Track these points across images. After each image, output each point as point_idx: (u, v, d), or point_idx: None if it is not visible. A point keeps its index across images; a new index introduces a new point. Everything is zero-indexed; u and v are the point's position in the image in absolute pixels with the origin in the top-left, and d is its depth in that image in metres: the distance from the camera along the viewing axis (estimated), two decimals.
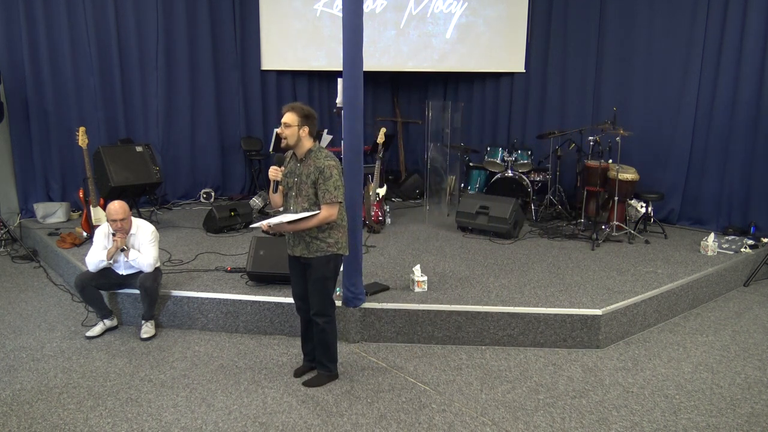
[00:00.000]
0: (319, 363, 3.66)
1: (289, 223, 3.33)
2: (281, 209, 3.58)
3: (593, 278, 4.86)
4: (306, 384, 3.61)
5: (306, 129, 3.34)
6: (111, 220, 4.11)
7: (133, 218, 4.27)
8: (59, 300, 4.98)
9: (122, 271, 4.31)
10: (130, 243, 4.24)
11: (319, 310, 3.49)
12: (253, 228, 6.20)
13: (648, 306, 4.48)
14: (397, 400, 3.45)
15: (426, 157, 7.54)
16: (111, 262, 4.24)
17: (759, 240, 6.00)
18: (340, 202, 3.37)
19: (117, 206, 4.10)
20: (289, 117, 3.32)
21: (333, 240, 3.42)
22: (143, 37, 7.44)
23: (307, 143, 3.38)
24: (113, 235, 4.17)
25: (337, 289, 4.29)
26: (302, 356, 3.81)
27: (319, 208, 3.34)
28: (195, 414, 3.28)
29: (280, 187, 3.51)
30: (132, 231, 4.23)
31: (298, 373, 3.74)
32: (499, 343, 4.17)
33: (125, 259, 4.24)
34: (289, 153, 3.51)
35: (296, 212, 3.38)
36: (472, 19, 8.41)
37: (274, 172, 3.42)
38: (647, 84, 7.14)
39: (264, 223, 3.34)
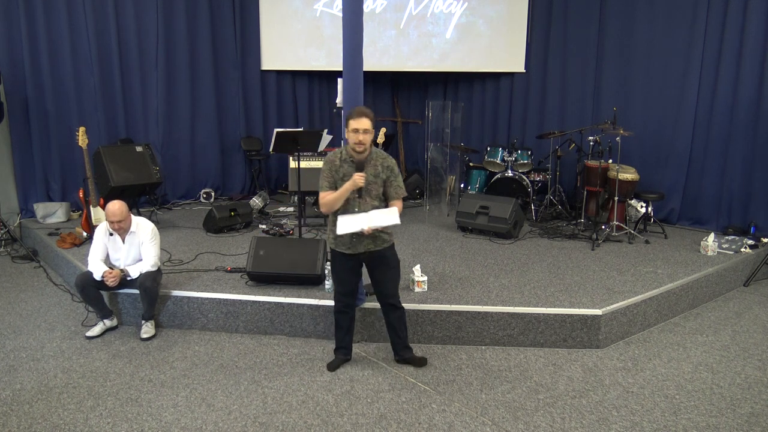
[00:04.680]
0: (406, 347, 3.85)
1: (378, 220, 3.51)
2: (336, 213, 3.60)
3: (593, 278, 4.86)
4: (419, 366, 3.82)
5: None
6: (109, 221, 4.11)
7: (132, 216, 4.27)
8: (59, 300, 4.98)
9: None
10: (129, 241, 4.24)
11: (396, 294, 3.73)
12: (337, 231, 6.15)
13: (648, 306, 4.48)
14: (397, 400, 3.45)
15: (426, 157, 7.54)
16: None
17: (759, 240, 6.00)
18: None
19: (116, 208, 4.10)
20: (367, 123, 3.42)
21: (390, 231, 3.68)
22: (143, 37, 7.44)
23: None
24: (110, 268, 4.20)
25: None
26: (338, 350, 3.87)
27: (385, 206, 3.60)
28: (195, 414, 3.28)
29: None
30: (132, 229, 4.23)
31: (332, 367, 3.81)
32: (499, 343, 4.17)
33: (127, 262, 4.26)
34: (341, 157, 3.51)
35: (364, 211, 3.52)
36: (472, 19, 8.41)
37: (361, 179, 3.44)
38: (647, 84, 7.14)
39: (366, 228, 3.42)
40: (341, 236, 3.54)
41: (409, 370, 3.80)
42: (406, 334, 3.83)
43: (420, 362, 3.84)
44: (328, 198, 3.50)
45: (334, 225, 3.53)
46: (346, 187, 3.45)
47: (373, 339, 4.20)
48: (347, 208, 3.54)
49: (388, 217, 3.48)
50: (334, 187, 3.51)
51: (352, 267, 3.66)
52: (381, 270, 3.67)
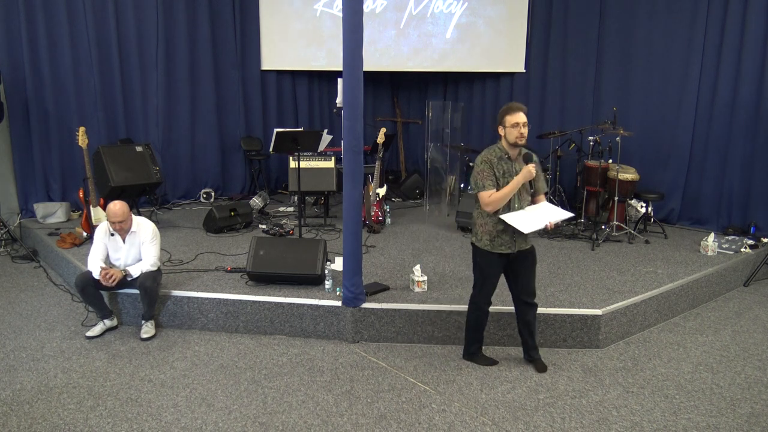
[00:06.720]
0: (535, 347, 3.86)
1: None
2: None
3: (593, 278, 4.86)
4: (541, 371, 3.80)
5: None
6: (111, 222, 4.11)
7: (133, 216, 4.28)
8: (59, 300, 4.98)
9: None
10: (129, 241, 4.24)
11: (535, 292, 3.74)
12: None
13: (648, 306, 4.48)
14: (397, 400, 3.45)
15: (426, 157, 7.54)
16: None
17: (759, 240, 6.00)
18: None
19: (117, 208, 4.10)
20: (524, 116, 3.47)
21: None
22: (143, 37, 7.43)
23: None
24: (110, 267, 4.20)
25: (338, 289, 4.30)
26: (477, 346, 3.90)
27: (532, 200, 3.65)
28: (195, 414, 3.28)
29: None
30: (133, 229, 4.23)
31: (493, 361, 3.88)
32: (499, 343, 4.17)
33: (127, 262, 4.26)
34: (498, 155, 3.52)
35: (522, 208, 3.55)
36: (472, 19, 8.41)
37: (534, 169, 3.50)
38: (647, 84, 7.14)
39: (550, 223, 3.48)
40: (501, 237, 3.55)
41: (409, 369, 3.81)
42: (536, 334, 3.88)
43: (543, 367, 3.82)
44: (496, 196, 3.47)
45: (492, 226, 3.53)
46: (518, 180, 3.48)
47: (373, 339, 4.20)
48: (508, 204, 3.54)
49: (561, 211, 3.59)
50: (497, 185, 3.50)
51: (500, 267, 3.66)
52: (527, 268, 3.68)
